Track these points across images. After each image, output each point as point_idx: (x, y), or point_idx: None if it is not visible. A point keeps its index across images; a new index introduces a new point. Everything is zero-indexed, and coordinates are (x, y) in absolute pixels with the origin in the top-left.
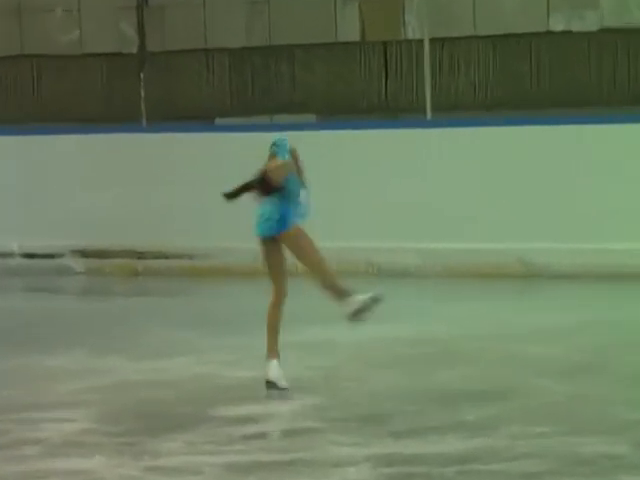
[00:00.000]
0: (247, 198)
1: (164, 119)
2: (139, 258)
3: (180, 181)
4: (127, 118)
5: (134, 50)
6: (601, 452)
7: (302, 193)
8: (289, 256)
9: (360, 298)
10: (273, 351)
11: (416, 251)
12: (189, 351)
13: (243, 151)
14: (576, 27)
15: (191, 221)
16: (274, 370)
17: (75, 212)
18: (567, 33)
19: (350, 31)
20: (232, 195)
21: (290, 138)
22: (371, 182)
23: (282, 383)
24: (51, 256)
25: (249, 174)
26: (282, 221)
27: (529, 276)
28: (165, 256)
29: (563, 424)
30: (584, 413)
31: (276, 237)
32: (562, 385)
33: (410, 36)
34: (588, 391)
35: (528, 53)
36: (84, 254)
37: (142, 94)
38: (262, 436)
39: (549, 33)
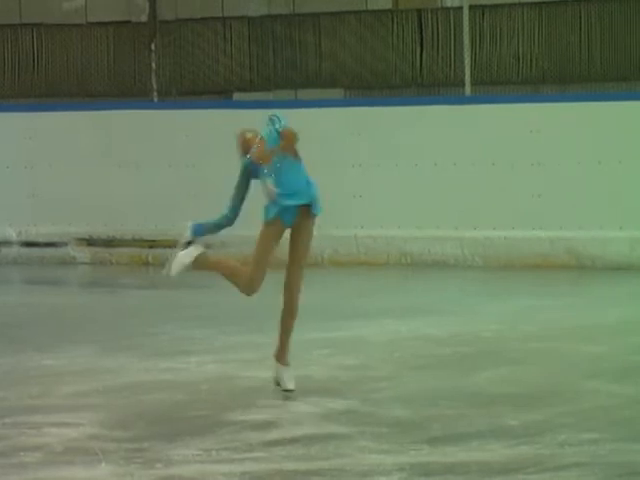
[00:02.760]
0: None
1: (177, 94)
2: (150, 247)
3: (195, 162)
4: (137, 93)
5: (144, 19)
6: None
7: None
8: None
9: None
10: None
11: (455, 240)
12: (205, 350)
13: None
14: None
15: (207, 206)
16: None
17: (80, 196)
18: None
19: None
20: None
21: (316, 115)
22: (404, 164)
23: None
24: (53, 245)
25: None
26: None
27: (579, 268)
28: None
29: (616, 430)
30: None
31: None
32: (615, 387)
33: (448, 3)
34: None
35: (577, 22)
36: (89, 242)
37: (153, 67)
38: (284, 442)
39: None
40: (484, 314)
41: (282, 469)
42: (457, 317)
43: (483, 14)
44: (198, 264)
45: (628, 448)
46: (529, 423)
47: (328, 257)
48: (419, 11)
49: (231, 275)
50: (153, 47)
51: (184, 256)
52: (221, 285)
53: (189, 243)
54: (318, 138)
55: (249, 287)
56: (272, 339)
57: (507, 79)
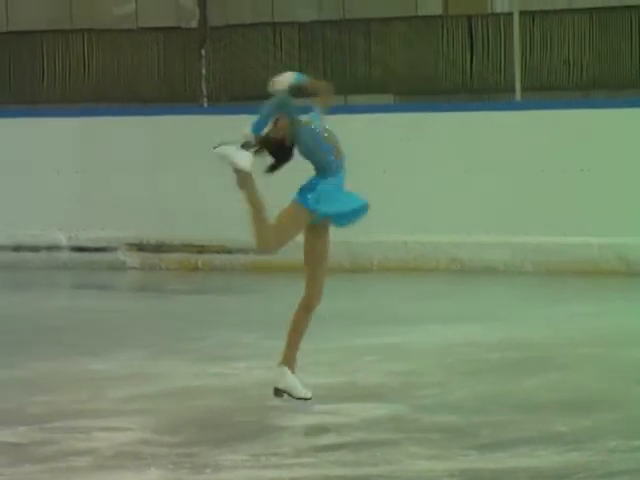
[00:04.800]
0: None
1: (227, 99)
2: (199, 252)
3: None
4: (187, 98)
5: (194, 24)
6: None
7: None
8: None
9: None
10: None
11: (504, 245)
12: (253, 355)
13: None
14: None
15: None
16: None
17: (129, 201)
18: None
19: (432, 3)
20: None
21: (366, 120)
22: (454, 169)
23: (305, 392)
24: (103, 249)
25: None
26: None
27: (629, 274)
28: (227, 250)
29: None
30: None
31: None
32: None
33: (498, 9)
34: None
35: (628, 28)
36: (139, 248)
37: (203, 72)
38: (333, 448)
39: None
40: (533, 320)
41: (330, 475)
42: (506, 323)
43: (533, 20)
44: (242, 183)
45: None
46: (578, 429)
47: (377, 263)
48: (469, 17)
49: (257, 221)
50: (203, 52)
51: (242, 159)
52: (269, 290)
53: (247, 144)
54: (368, 144)
55: (265, 246)
56: (319, 345)
57: (557, 85)
